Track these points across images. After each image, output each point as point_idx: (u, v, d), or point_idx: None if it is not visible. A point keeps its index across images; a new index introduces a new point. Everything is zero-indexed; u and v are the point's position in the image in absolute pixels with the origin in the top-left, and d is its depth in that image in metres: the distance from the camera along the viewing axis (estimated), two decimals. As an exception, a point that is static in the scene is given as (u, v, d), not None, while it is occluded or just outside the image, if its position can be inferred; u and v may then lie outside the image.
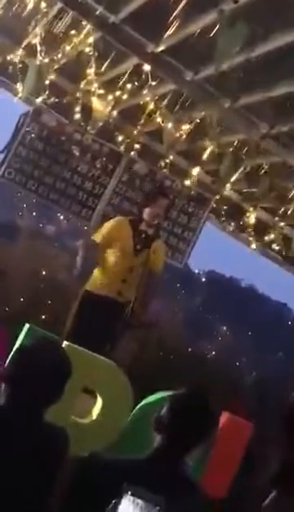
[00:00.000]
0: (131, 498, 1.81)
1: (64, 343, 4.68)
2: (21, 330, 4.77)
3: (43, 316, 9.46)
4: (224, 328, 44.75)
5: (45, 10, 7.91)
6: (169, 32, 6.91)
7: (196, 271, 50.01)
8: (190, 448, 2.94)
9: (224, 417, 5.44)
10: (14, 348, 4.35)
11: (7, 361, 3.40)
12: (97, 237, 6.57)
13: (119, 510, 1.80)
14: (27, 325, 4.82)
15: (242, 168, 8.56)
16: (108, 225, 6.62)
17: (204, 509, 2.76)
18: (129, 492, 1.82)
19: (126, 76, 8.26)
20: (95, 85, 8.32)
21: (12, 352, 3.96)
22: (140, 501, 1.78)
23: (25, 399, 2.97)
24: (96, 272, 6.46)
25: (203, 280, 52.50)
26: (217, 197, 9.50)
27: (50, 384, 3.05)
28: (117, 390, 4.79)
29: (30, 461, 2.88)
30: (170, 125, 8.44)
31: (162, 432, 2.89)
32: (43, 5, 7.89)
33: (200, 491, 2.97)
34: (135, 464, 2.82)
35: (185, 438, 2.92)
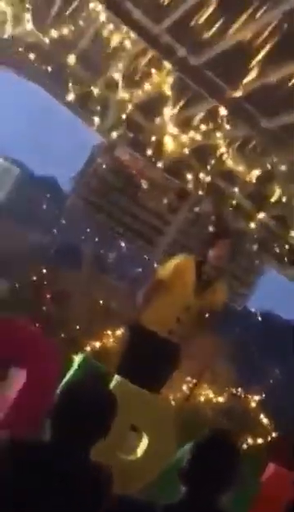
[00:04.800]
0: None
1: (116, 378, 4.72)
2: (73, 359, 4.81)
3: (97, 345, 9.53)
4: (277, 371, 44.01)
5: (129, 47, 8.09)
6: (248, 78, 6.98)
7: (253, 309, 49.46)
8: (218, 494, 2.90)
9: (270, 469, 5.39)
10: (64, 380, 4.41)
11: (57, 392, 3.40)
12: (162, 272, 6.59)
13: None
14: (81, 356, 4.86)
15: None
16: (174, 262, 6.62)
17: None
18: None
19: (201, 117, 8.35)
20: (171, 124, 8.43)
21: (62, 386, 3.99)
22: None
23: (71, 438, 2.96)
24: (152, 307, 6.47)
25: (259, 319, 51.84)
26: (280, 242, 9.46)
27: (97, 422, 3.04)
28: (164, 429, 4.79)
29: (71, 502, 2.89)
30: (241, 168, 8.48)
31: (185, 481, 2.87)
32: (128, 42, 8.06)
33: None
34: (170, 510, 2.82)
35: (210, 486, 2.88)
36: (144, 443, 4.74)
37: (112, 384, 4.52)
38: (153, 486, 4.43)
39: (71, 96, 9.53)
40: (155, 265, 9.58)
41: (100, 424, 3.06)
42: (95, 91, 9.21)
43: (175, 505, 2.86)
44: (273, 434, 10.37)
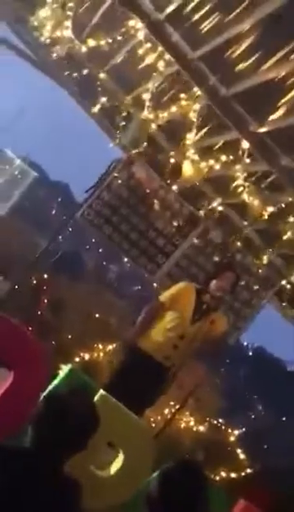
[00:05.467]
0: None
1: (100, 392, 4.73)
2: (61, 368, 4.82)
3: (86, 357, 9.53)
4: (260, 407, 43.83)
5: (162, 69, 8.16)
6: (274, 116, 7.02)
7: (245, 343, 49.35)
8: None
9: (240, 504, 5.38)
10: (49, 388, 4.42)
11: (39, 401, 3.41)
12: (163, 296, 6.61)
13: None
14: (69, 367, 4.87)
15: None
16: (177, 287, 6.63)
17: None
18: None
19: (223, 148, 8.41)
20: (192, 150, 8.49)
21: (46, 393, 4.00)
22: None
23: (50, 446, 2.98)
24: (151, 331, 6.48)
25: (250, 354, 51.73)
26: (284, 282, 9.48)
27: (75, 436, 3.06)
28: (141, 450, 4.79)
29: (41, 505, 2.90)
30: (256, 203, 8.52)
31: (150, 506, 2.83)
32: (161, 64, 8.14)
33: None
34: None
35: None
36: (119, 461, 4.75)
37: (95, 398, 4.53)
38: (125, 507, 4.43)
39: (97, 108, 9.62)
40: (155, 285, 9.60)
41: (79, 437, 3.07)
42: (122, 106, 9.28)
43: None
44: (248, 470, 10.33)
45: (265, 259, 9.30)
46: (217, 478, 8.81)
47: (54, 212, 39.30)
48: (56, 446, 2.99)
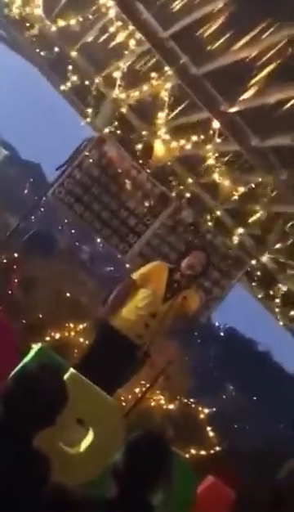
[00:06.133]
0: None
1: (70, 371, 4.74)
2: (32, 347, 4.83)
3: (57, 336, 9.52)
4: (231, 387, 44.22)
5: (133, 47, 8.12)
6: (246, 96, 7.04)
7: (216, 323, 49.70)
8: (146, 492, 2.92)
9: (208, 480, 5.46)
10: (20, 366, 4.43)
11: (9, 377, 3.43)
12: (136, 274, 6.63)
13: None
14: (39, 345, 4.88)
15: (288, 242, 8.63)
16: (149, 266, 6.66)
17: None
18: None
19: (194, 128, 8.40)
20: (163, 129, 8.48)
21: (15, 371, 4.02)
22: None
23: (17, 421, 3.02)
24: (123, 309, 6.50)
25: (221, 334, 52.13)
26: (254, 262, 9.55)
27: (43, 411, 3.09)
28: (110, 428, 4.81)
29: (10, 478, 2.92)
30: (226, 183, 8.54)
31: (117, 476, 2.90)
32: (132, 42, 8.09)
33: None
34: (102, 505, 2.85)
35: (139, 483, 2.91)
36: (88, 438, 4.78)
37: (65, 376, 4.54)
38: (94, 484, 4.46)
39: (68, 86, 9.54)
40: (127, 265, 9.61)
41: (47, 412, 3.11)
42: (93, 85, 9.22)
43: (107, 501, 2.88)
44: (217, 448, 10.44)
45: (235, 239, 9.35)
46: (186, 455, 8.89)
47: (26, 191, 39.07)
48: (25, 421, 3.02)
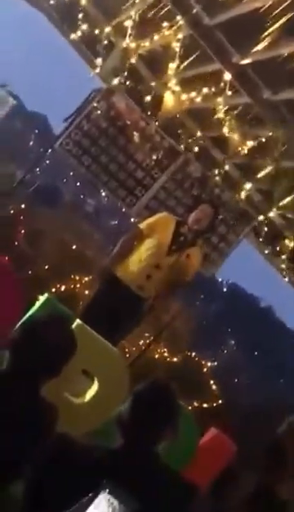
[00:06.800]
0: (107, 496, 1.83)
1: (77, 322, 4.76)
2: (38, 298, 4.83)
3: (63, 288, 9.54)
4: (232, 342, 44.58)
5: (144, -5, 7.95)
6: (258, 47, 6.91)
7: (220, 279, 49.88)
8: (150, 442, 2.93)
9: (211, 432, 5.52)
10: (27, 316, 4.44)
11: (16, 327, 3.44)
12: (142, 224, 6.61)
13: (93, 505, 1.82)
14: (46, 296, 4.89)
15: (294, 196, 8.56)
16: (156, 216, 6.65)
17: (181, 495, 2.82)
18: (107, 490, 1.84)
19: (205, 79, 8.27)
20: (173, 81, 8.35)
21: (23, 320, 4.03)
22: (115, 502, 1.80)
23: (25, 370, 3.03)
24: (128, 260, 6.49)
25: (224, 290, 52.36)
26: (261, 217, 9.49)
27: (51, 360, 3.10)
28: (115, 379, 4.86)
29: (16, 427, 2.95)
30: (235, 136, 8.44)
31: (122, 427, 2.91)
32: (144, -10, 7.93)
33: (176, 479, 3.00)
34: (106, 455, 2.87)
35: (145, 433, 2.91)
36: (93, 389, 4.82)
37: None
38: (98, 434, 4.50)
39: (77, 35, 9.37)
40: (132, 220, 9.57)
41: (56, 362, 3.11)
42: (103, 34, 9.06)
43: (112, 451, 2.90)
44: (220, 401, 10.55)
45: (243, 194, 9.27)
46: (189, 407, 8.99)
47: (31, 143, 38.83)
48: (33, 371, 3.04)
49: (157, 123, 8.93)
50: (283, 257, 10.00)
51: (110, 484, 1.89)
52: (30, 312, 4.60)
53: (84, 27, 9.20)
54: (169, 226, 6.42)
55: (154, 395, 2.99)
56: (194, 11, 7.30)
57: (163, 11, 8.21)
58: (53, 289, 9.21)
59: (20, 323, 3.72)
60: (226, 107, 8.31)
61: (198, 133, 9.28)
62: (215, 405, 10.27)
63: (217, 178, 9.27)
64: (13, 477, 2.99)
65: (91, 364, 4.76)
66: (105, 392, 4.80)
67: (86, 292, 9.16)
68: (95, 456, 2.81)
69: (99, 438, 4.28)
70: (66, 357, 3.15)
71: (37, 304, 4.76)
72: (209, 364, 11.81)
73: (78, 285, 9.78)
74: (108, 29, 8.91)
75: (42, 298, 4.83)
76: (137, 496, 2.05)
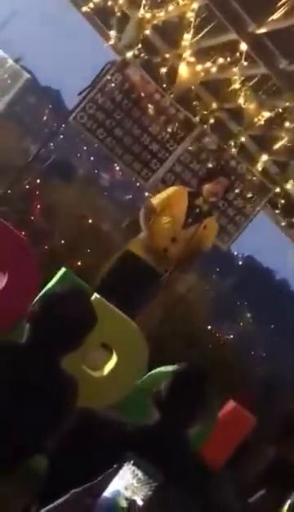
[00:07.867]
0: (132, 468, 1.83)
1: (94, 295, 4.75)
2: (55, 272, 4.83)
3: (79, 263, 9.52)
4: (249, 315, 44.60)
5: None
6: (275, 16, 6.81)
7: (235, 252, 49.85)
8: (188, 424, 2.97)
9: (229, 405, 5.51)
10: (44, 290, 4.44)
11: (35, 300, 3.43)
12: (155, 200, 6.58)
13: (118, 477, 1.83)
14: (63, 269, 4.88)
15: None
16: (168, 191, 6.61)
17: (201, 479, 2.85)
18: (131, 461, 1.85)
19: (220, 50, 8.17)
20: (188, 52, 8.25)
21: (41, 294, 4.03)
22: (139, 473, 1.81)
23: (45, 343, 3.02)
24: (142, 234, 6.47)
25: (240, 263, 52.35)
26: (278, 189, 9.42)
27: (71, 333, 3.09)
28: (134, 352, 4.85)
29: (38, 400, 2.96)
30: (251, 107, 8.35)
31: (160, 407, 2.92)
32: None
33: (198, 463, 3.03)
34: (137, 431, 2.88)
35: (183, 414, 2.94)
36: (112, 362, 4.82)
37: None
38: (119, 406, 4.51)
39: (90, 7, 9.27)
40: (146, 194, 9.51)
41: (76, 335, 3.11)
42: (117, 5, 8.96)
43: (145, 427, 2.91)
44: (236, 374, 10.54)
45: (259, 166, 9.19)
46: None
47: (45, 118, 38.72)
48: (54, 344, 3.03)
49: (172, 95, 8.84)
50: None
51: (135, 456, 1.90)
52: (48, 286, 4.59)
53: (97, -1, 9.11)
54: (182, 199, 6.39)
55: (195, 378, 3.04)
56: (209, -21, 7.20)
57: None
58: (69, 263, 9.20)
59: (38, 296, 3.72)
60: (242, 78, 8.21)
61: (214, 105, 9.19)
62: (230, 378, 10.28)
63: (233, 150, 9.19)
64: (35, 451, 3.00)
65: (110, 337, 4.75)
66: (124, 366, 4.80)
67: (102, 266, 9.15)
68: (126, 431, 2.82)
69: (117, 412, 4.31)
70: (86, 330, 3.14)
71: (55, 278, 4.75)
72: (226, 337, 11.81)
73: (94, 259, 9.76)
74: (121, 1, 8.80)
75: (59, 272, 4.82)
76: (161, 470, 2.07)
